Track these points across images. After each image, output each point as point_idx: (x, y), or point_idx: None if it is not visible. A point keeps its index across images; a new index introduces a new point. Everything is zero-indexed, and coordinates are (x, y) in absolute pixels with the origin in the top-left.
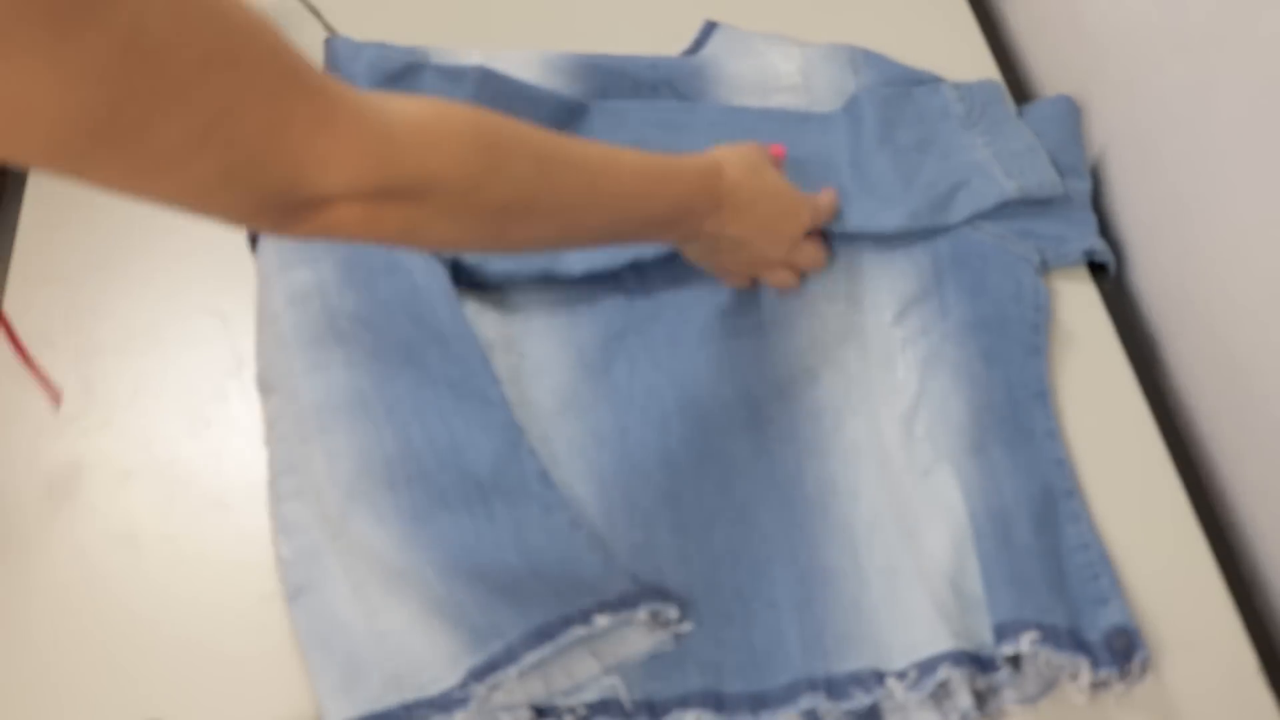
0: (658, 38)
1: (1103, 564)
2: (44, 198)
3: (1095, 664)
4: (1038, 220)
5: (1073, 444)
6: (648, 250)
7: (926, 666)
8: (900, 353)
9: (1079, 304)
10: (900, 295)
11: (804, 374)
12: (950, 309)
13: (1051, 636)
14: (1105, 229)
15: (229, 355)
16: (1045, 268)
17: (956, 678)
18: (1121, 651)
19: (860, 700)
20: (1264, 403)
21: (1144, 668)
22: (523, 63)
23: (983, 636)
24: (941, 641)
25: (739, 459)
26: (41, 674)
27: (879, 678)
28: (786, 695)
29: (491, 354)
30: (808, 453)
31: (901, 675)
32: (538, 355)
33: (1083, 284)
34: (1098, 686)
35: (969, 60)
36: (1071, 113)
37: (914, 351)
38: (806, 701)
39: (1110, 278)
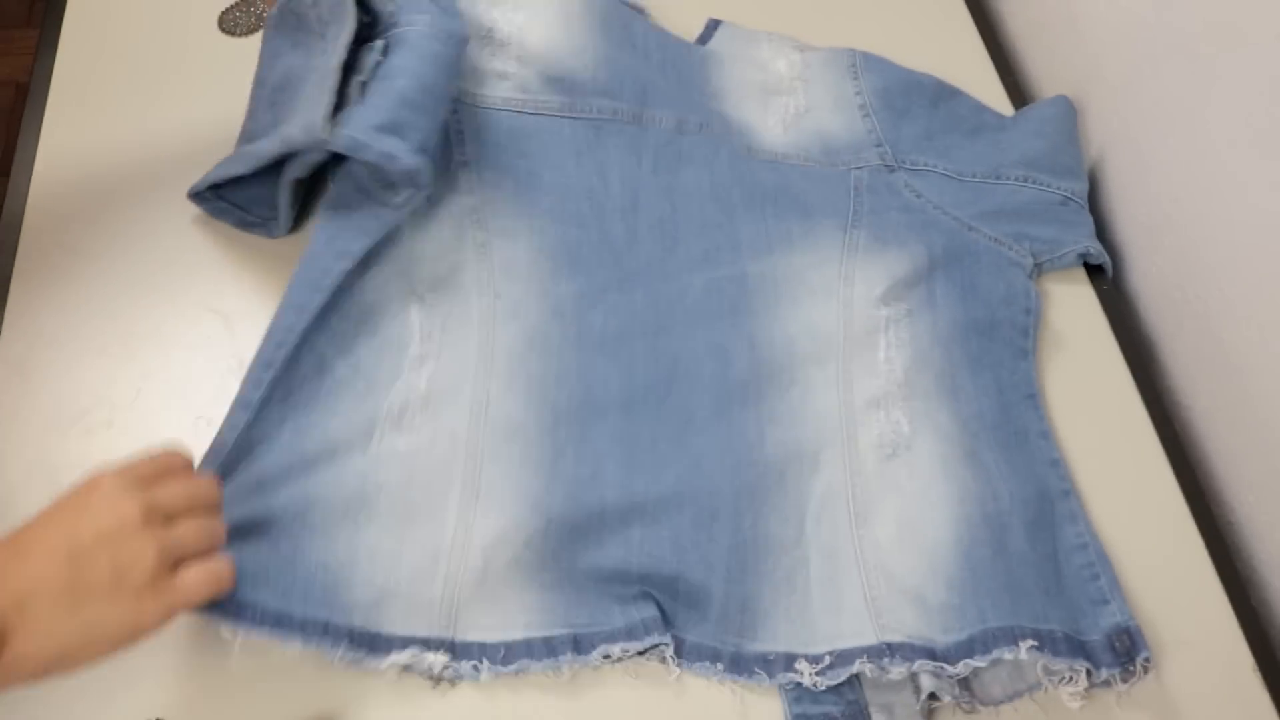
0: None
1: (1102, 563)
2: (48, 198)
3: (1097, 665)
4: (1032, 223)
5: (1070, 445)
6: (643, 208)
7: (843, 657)
8: (883, 332)
9: (1076, 305)
10: (891, 275)
11: (783, 341)
12: (938, 302)
13: (1049, 643)
14: (1102, 230)
15: (231, 355)
16: (1039, 270)
17: (928, 672)
18: (1124, 652)
19: (761, 679)
20: (1260, 402)
21: (1146, 667)
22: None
23: (930, 631)
24: (865, 636)
25: (699, 415)
26: None
27: (788, 661)
28: (685, 652)
29: (467, 293)
30: (771, 419)
31: (815, 659)
32: (513, 297)
33: (1080, 285)
34: (1098, 686)
35: (967, 62)
36: (1068, 114)
37: (897, 333)
38: (700, 670)
39: (1107, 279)
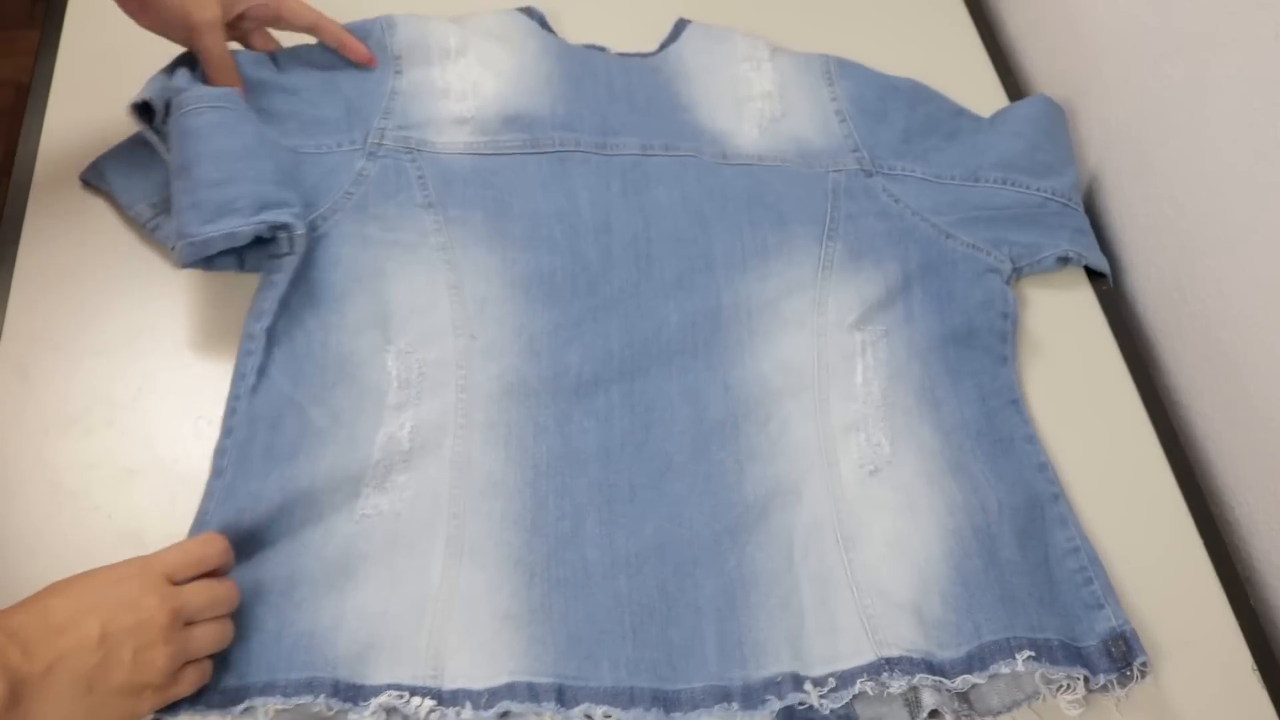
0: (639, 32)
1: (1095, 566)
2: (49, 200)
3: (1094, 672)
4: (1011, 227)
5: (1069, 446)
6: (616, 227)
7: (845, 678)
8: (860, 355)
9: (1076, 306)
10: (865, 299)
11: (757, 378)
12: (916, 317)
13: (1046, 653)
14: (1101, 231)
15: (231, 355)
16: (1019, 275)
17: (929, 686)
18: (1120, 657)
19: (774, 705)
20: (1260, 402)
21: (1144, 671)
22: (499, 45)
23: (928, 645)
24: (864, 654)
25: (677, 459)
26: None
27: (796, 681)
28: (699, 700)
29: (443, 336)
30: (750, 456)
31: (819, 682)
32: (488, 337)
33: (1080, 286)
34: (1096, 692)
35: (967, 62)
36: (1046, 112)
37: (874, 355)
38: (720, 711)
39: (1108, 280)
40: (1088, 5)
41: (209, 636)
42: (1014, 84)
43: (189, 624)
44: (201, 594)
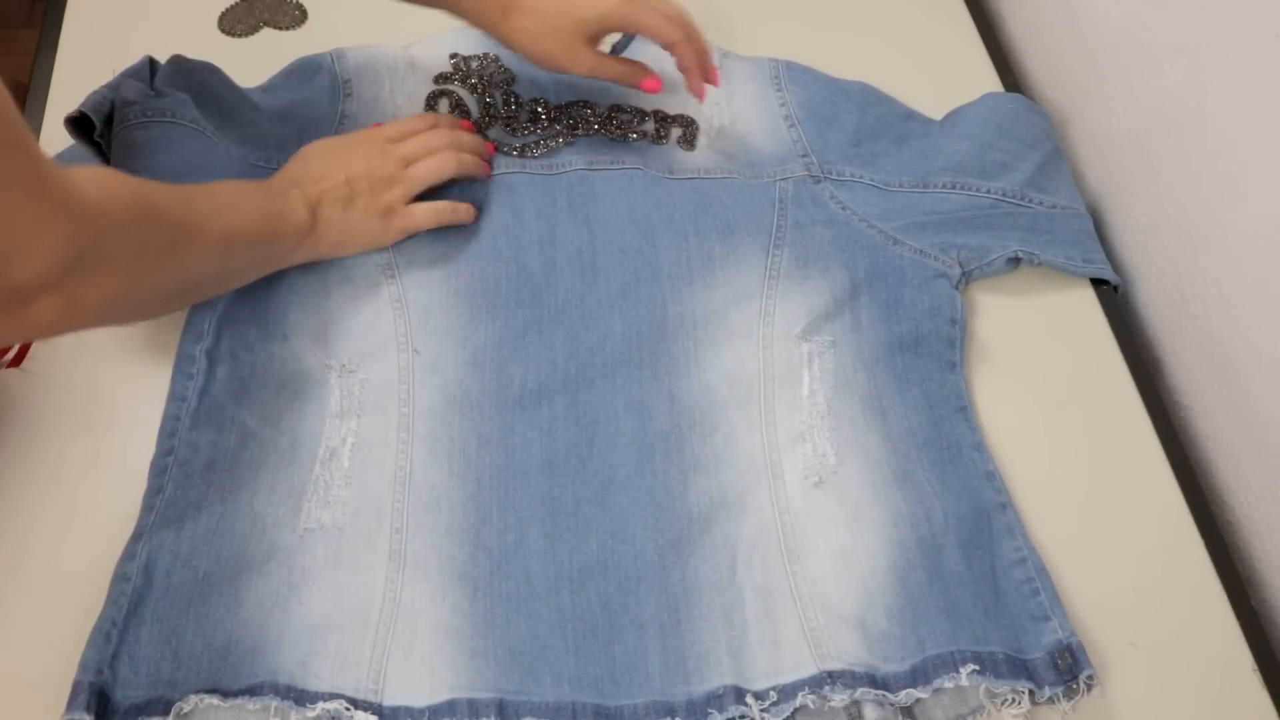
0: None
1: (1042, 577)
2: None
3: (1039, 685)
4: (960, 231)
5: (1069, 445)
6: (561, 239)
7: (787, 691)
8: (806, 366)
9: (1076, 306)
10: (812, 309)
11: (702, 390)
12: (863, 325)
13: (990, 666)
14: (1101, 230)
15: None
16: (969, 278)
17: (871, 700)
18: (1066, 670)
19: (715, 719)
20: (1260, 402)
21: (1090, 684)
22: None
23: (871, 658)
24: (806, 667)
25: (621, 472)
26: (47, 670)
27: (738, 694)
28: (641, 715)
29: (386, 350)
30: (694, 468)
31: (760, 695)
32: (431, 351)
33: (1080, 286)
34: (1042, 705)
35: (967, 62)
36: (998, 108)
37: (820, 365)
38: None
39: (1109, 281)
40: (1088, 5)
41: (428, 168)
42: (1014, 84)
43: (410, 165)
44: (415, 142)
